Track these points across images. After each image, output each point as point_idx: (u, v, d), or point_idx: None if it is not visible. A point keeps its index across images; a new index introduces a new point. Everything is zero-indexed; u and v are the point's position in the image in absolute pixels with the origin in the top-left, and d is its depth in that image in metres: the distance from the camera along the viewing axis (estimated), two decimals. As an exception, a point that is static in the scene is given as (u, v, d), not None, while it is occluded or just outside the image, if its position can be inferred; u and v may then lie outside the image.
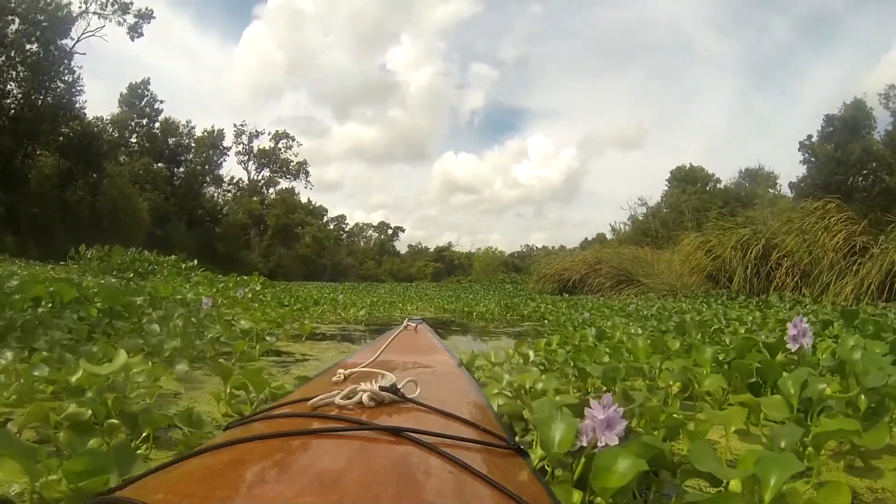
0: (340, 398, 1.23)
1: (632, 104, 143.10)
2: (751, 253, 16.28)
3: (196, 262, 18.88)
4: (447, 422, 1.25)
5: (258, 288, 11.75)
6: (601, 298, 18.43)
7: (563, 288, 24.38)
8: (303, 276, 61.16)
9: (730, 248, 16.94)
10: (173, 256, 19.09)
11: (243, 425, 1.28)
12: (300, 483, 0.85)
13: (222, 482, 0.88)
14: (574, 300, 16.99)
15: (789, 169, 55.66)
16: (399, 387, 1.29)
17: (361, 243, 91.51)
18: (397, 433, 1.04)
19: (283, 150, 74.93)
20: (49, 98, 41.71)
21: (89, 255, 17.85)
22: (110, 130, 54.04)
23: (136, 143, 58.91)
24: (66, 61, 41.95)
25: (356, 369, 1.62)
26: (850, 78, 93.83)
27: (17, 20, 38.88)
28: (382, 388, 1.26)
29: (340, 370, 1.62)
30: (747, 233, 17.08)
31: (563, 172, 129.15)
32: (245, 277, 14.32)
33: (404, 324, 3.05)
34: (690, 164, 57.30)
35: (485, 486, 0.93)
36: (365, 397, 1.23)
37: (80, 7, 42.49)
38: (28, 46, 39.73)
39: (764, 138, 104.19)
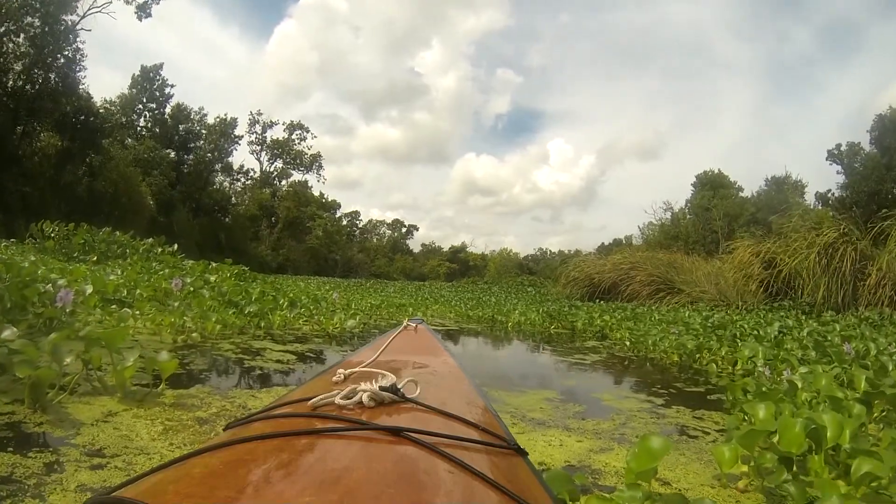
0: (340, 398, 1.15)
1: (651, 110, 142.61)
2: (844, 262, 13.61)
3: (176, 246, 16.44)
4: (447, 422, 1.17)
5: (212, 279, 8.85)
6: (652, 308, 16.07)
7: (593, 293, 22.51)
8: (313, 270, 60.09)
9: (813, 255, 14.27)
10: (150, 240, 16.85)
11: (243, 425, 1.16)
12: (300, 483, 0.80)
13: (222, 482, 0.81)
14: (628, 310, 14.25)
15: (810, 179, 53.70)
16: (399, 387, 1.21)
17: (374, 240, 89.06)
18: (397, 433, 0.99)
19: (296, 141, 72.93)
20: (51, 74, 40.01)
21: (51, 234, 16.27)
22: (116, 113, 52.80)
23: (143, 126, 57.38)
24: (69, 37, 39.97)
25: (356, 369, 1.48)
26: (871, 88, 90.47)
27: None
28: (382, 388, 1.18)
29: (340, 370, 1.46)
30: (833, 238, 14.38)
31: (582, 179, 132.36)
32: (214, 265, 11.63)
33: (404, 324, 2.65)
34: (719, 169, 55.23)
35: (485, 486, 0.89)
36: (365, 397, 1.14)
37: (85, -18, 40.87)
38: (29, 19, 38.00)
39: (783, 148, 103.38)
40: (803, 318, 11.49)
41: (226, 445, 0.95)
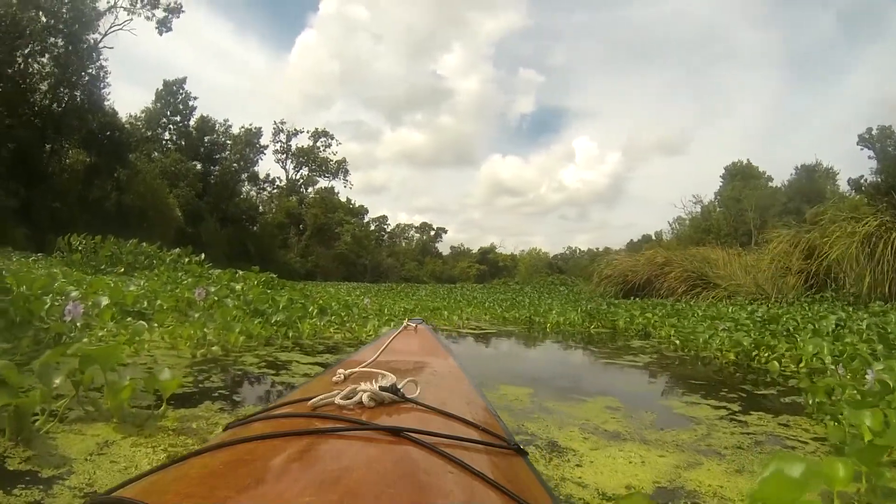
0: (340, 398, 1.15)
1: (674, 104, 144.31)
2: (889, 250, 13.05)
3: (203, 256, 16.28)
4: (447, 422, 1.17)
5: (238, 287, 8.51)
6: (690, 304, 15.46)
7: (627, 290, 22.11)
8: (342, 276, 59.71)
9: (855, 244, 13.69)
10: (177, 250, 16.60)
11: (243, 425, 1.16)
12: (300, 483, 0.79)
13: (222, 482, 0.81)
14: (668, 307, 13.68)
15: (838, 164, 52.28)
16: (399, 387, 1.20)
17: (403, 244, 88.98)
18: (397, 433, 0.98)
19: (321, 148, 73.00)
20: (76, 92, 40.87)
21: (78, 247, 16.27)
22: (142, 128, 53.96)
23: (169, 139, 58.10)
24: (93, 55, 40.94)
25: (356, 369, 1.49)
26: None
27: (42, 14, 37.86)
28: (382, 388, 1.17)
29: (340, 370, 1.47)
30: (874, 226, 13.81)
31: (608, 176, 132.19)
32: (241, 273, 11.35)
33: (404, 324, 2.69)
34: (748, 160, 54.33)
35: (485, 486, 0.89)
36: (365, 397, 1.14)
37: (108, 2, 41.76)
38: (53, 40, 38.86)
39: (808, 135, 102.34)
40: (850, 309, 10.95)
41: (226, 445, 0.95)
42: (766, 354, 6.00)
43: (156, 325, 4.93)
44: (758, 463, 2.50)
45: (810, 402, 3.56)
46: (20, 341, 3.35)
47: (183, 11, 44.79)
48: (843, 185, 46.42)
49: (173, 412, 2.69)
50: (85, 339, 3.69)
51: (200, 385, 3.37)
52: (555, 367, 6.18)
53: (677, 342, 7.22)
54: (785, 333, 7.30)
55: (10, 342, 3.29)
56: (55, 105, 39.66)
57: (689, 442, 2.79)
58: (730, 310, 11.60)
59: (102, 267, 14.43)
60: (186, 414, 2.73)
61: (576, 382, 5.08)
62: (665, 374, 5.42)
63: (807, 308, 11.74)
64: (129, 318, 5.06)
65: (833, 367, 4.86)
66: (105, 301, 4.65)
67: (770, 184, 52.75)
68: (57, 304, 4.23)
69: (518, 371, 5.31)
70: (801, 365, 5.52)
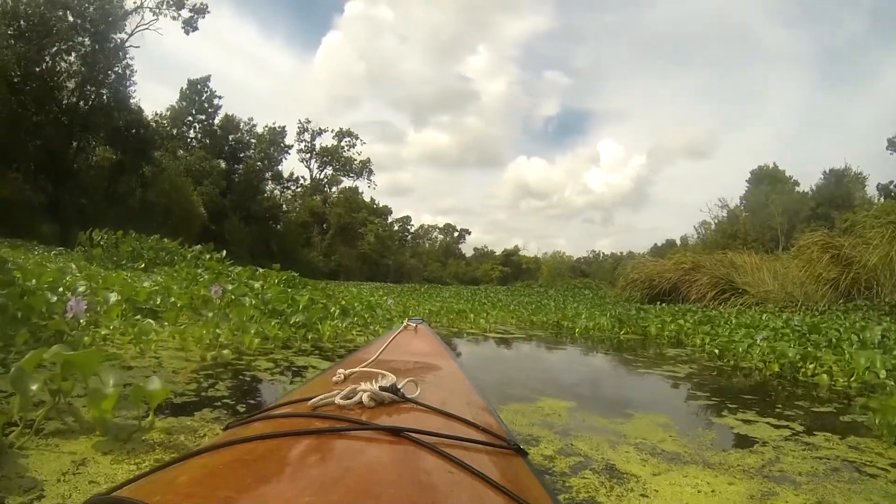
0: (340, 398, 1.15)
1: (699, 106, 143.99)
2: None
3: (225, 253, 15.94)
4: (447, 422, 1.18)
5: (256, 285, 8.21)
6: (720, 311, 15.02)
7: (653, 296, 21.64)
8: (365, 276, 59.81)
9: (893, 252, 13.25)
10: (198, 247, 16.33)
11: (243, 425, 1.18)
12: (300, 483, 0.80)
13: (222, 482, 0.81)
14: (699, 313, 13.24)
15: (866, 169, 50.53)
16: (399, 387, 1.21)
17: (426, 245, 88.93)
18: (397, 433, 0.99)
19: (346, 148, 72.96)
20: (103, 91, 41.38)
21: (99, 241, 15.92)
22: (167, 126, 54.51)
23: (193, 137, 58.50)
24: (119, 54, 41.46)
25: (356, 369, 1.50)
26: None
27: (69, 13, 38.35)
28: (382, 388, 1.18)
29: (340, 370, 1.48)
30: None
31: (633, 179, 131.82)
32: (261, 271, 11.10)
33: (404, 324, 2.73)
34: (775, 163, 53.52)
35: (485, 486, 0.89)
36: (365, 397, 1.15)
37: (134, 2, 42.13)
38: (79, 39, 39.34)
39: (836, 139, 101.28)
40: (888, 319, 10.53)
41: (226, 445, 0.94)
42: (813, 367, 5.59)
43: (166, 323, 4.66)
44: (839, 494, 2.17)
45: (877, 421, 3.20)
46: (14, 339, 3.09)
47: (208, 12, 45.03)
48: (872, 191, 45.53)
49: (163, 422, 2.41)
50: (86, 338, 3.43)
51: (203, 393, 3.05)
52: (591, 376, 5.80)
53: (716, 351, 6.83)
54: (826, 344, 6.92)
55: (4, 340, 3.04)
56: (82, 103, 40.16)
57: (757, 467, 2.45)
58: (763, 317, 11.17)
59: (123, 262, 14.26)
60: (176, 425, 2.43)
61: (617, 394, 4.73)
62: (709, 387, 5.03)
63: (842, 317, 11.33)
64: (139, 316, 4.78)
65: (891, 382, 4.47)
66: (114, 297, 4.40)
67: (797, 188, 51.90)
68: (65, 299, 3.98)
69: (553, 380, 4.97)
70: (853, 379, 5.12)
